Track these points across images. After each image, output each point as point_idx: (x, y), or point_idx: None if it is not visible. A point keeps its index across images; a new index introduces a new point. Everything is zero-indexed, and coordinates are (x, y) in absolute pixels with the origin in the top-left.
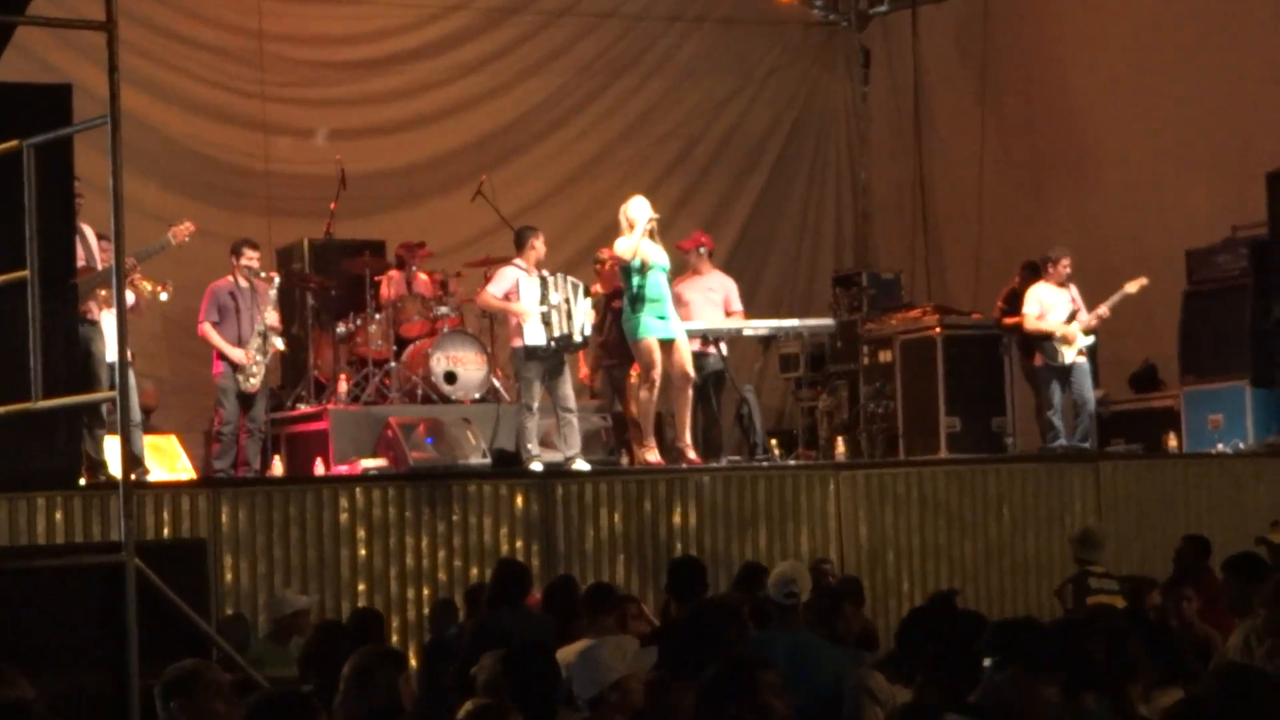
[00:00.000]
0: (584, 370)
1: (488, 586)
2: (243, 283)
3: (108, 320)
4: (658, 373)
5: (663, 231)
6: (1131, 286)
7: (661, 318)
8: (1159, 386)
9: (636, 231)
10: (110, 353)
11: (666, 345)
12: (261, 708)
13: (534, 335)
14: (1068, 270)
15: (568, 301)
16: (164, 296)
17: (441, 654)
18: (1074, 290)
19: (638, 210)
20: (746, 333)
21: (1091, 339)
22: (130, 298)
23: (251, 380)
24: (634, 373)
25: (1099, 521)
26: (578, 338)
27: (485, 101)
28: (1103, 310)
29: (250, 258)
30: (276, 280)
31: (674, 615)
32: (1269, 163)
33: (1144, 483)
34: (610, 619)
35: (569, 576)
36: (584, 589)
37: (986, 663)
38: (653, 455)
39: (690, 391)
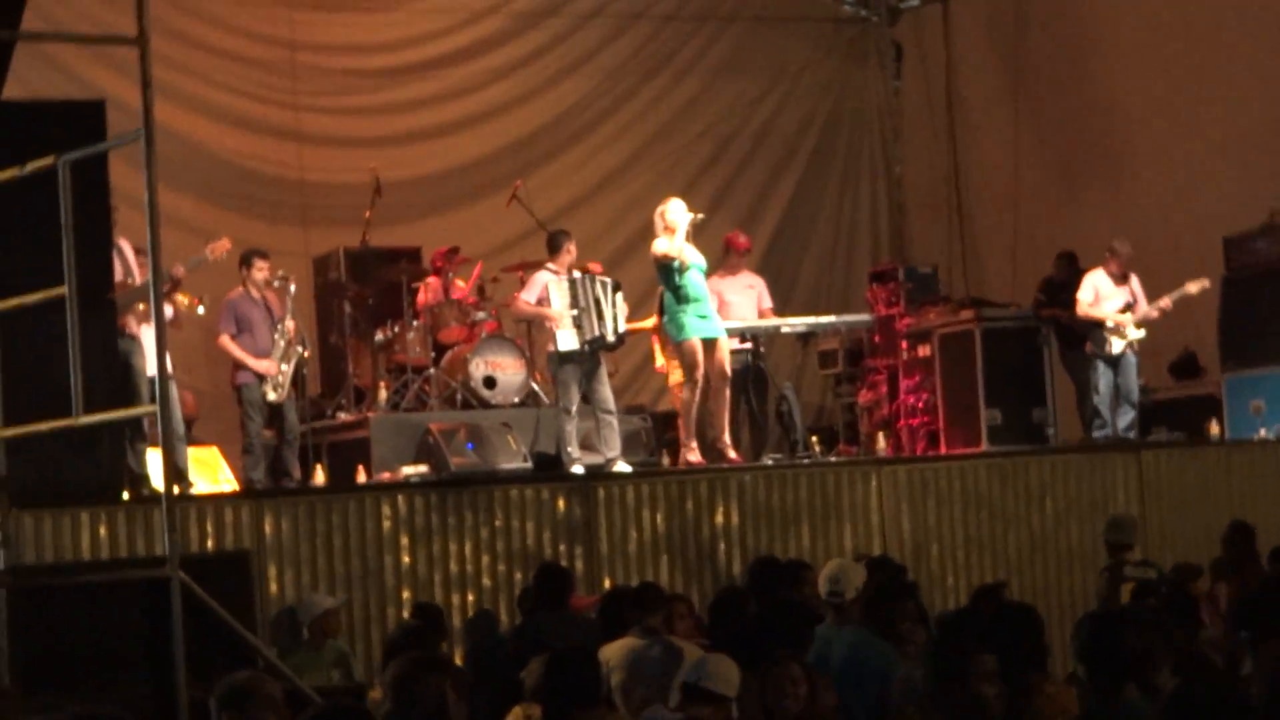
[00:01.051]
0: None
1: (529, 591)
2: (255, 294)
3: (147, 335)
4: (701, 373)
5: (697, 232)
6: (1193, 286)
7: (703, 317)
8: (1199, 374)
9: (680, 234)
10: (150, 367)
11: (709, 344)
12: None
13: (566, 340)
14: (1127, 262)
15: (598, 302)
16: (200, 310)
17: (488, 660)
18: (1135, 283)
19: (676, 212)
20: (785, 330)
21: (1142, 333)
22: (169, 312)
23: (277, 390)
24: (673, 371)
25: (1140, 511)
26: (610, 338)
27: (518, 106)
28: (1164, 304)
29: (260, 268)
30: (293, 287)
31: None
32: None
33: (1187, 471)
34: (658, 619)
35: (622, 588)
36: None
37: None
38: (694, 456)
39: (728, 391)
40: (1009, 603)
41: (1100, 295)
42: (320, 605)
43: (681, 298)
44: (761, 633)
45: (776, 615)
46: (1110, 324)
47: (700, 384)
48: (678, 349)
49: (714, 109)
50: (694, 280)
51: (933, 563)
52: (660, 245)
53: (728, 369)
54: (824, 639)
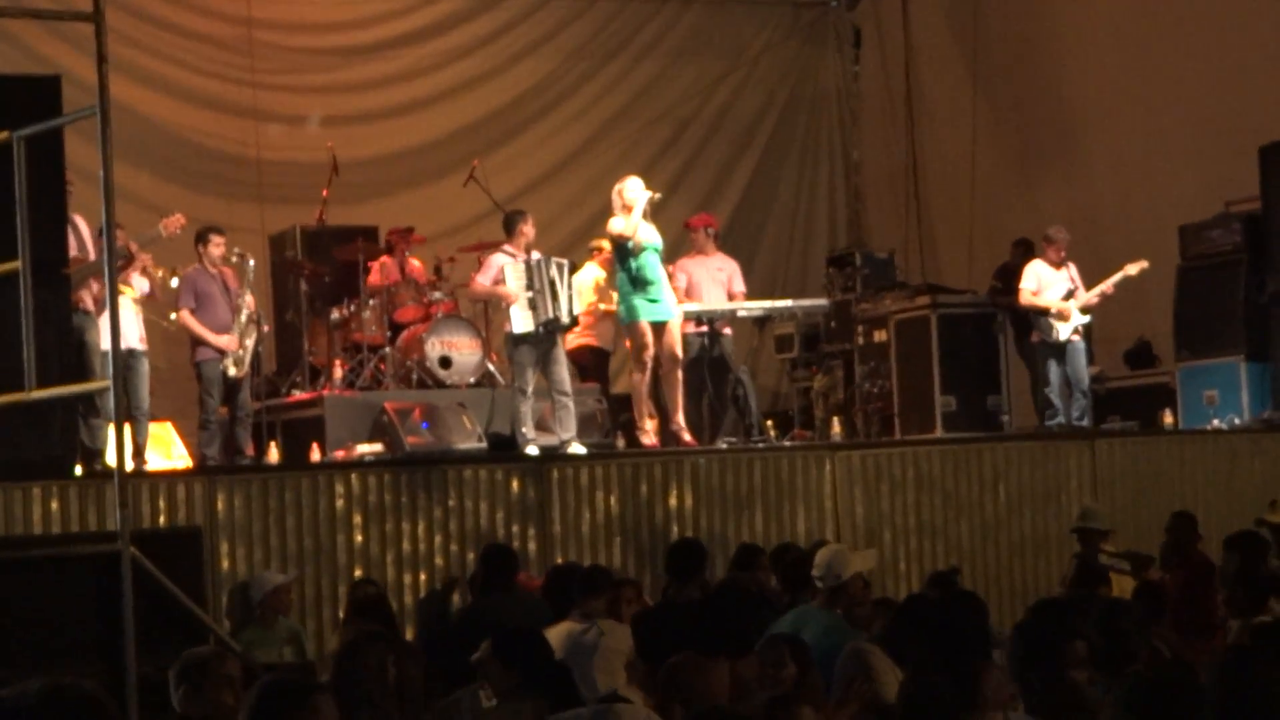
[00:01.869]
0: None
1: (478, 572)
2: (211, 269)
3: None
4: (650, 355)
5: (655, 213)
6: (1132, 268)
7: (654, 300)
8: (1154, 363)
9: (636, 212)
10: (105, 342)
11: (659, 327)
12: (266, 695)
13: (521, 322)
14: (1065, 249)
15: (553, 284)
16: (174, 283)
17: (438, 640)
18: (1073, 270)
19: (633, 191)
20: (741, 314)
21: (1088, 318)
22: (145, 285)
23: (237, 366)
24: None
25: (1092, 499)
26: (565, 319)
27: (477, 86)
28: (1106, 288)
29: (217, 244)
30: (252, 263)
31: (672, 597)
32: (1261, 137)
33: (1140, 460)
34: (601, 602)
35: (571, 564)
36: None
37: None
38: (648, 438)
39: (679, 373)
40: (956, 591)
41: (1042, 283)
42: (271, 582)
43: (633, 280)
44: (714, 619)
45: (728, 601)
46: (1054, 310)
47: (650, 366)
48: (627, 331)
49: (673, 91)
50: (649, 261)
51: (885, 548)
52: (615, 225)
53: (678, 351)
54: (799, 620)
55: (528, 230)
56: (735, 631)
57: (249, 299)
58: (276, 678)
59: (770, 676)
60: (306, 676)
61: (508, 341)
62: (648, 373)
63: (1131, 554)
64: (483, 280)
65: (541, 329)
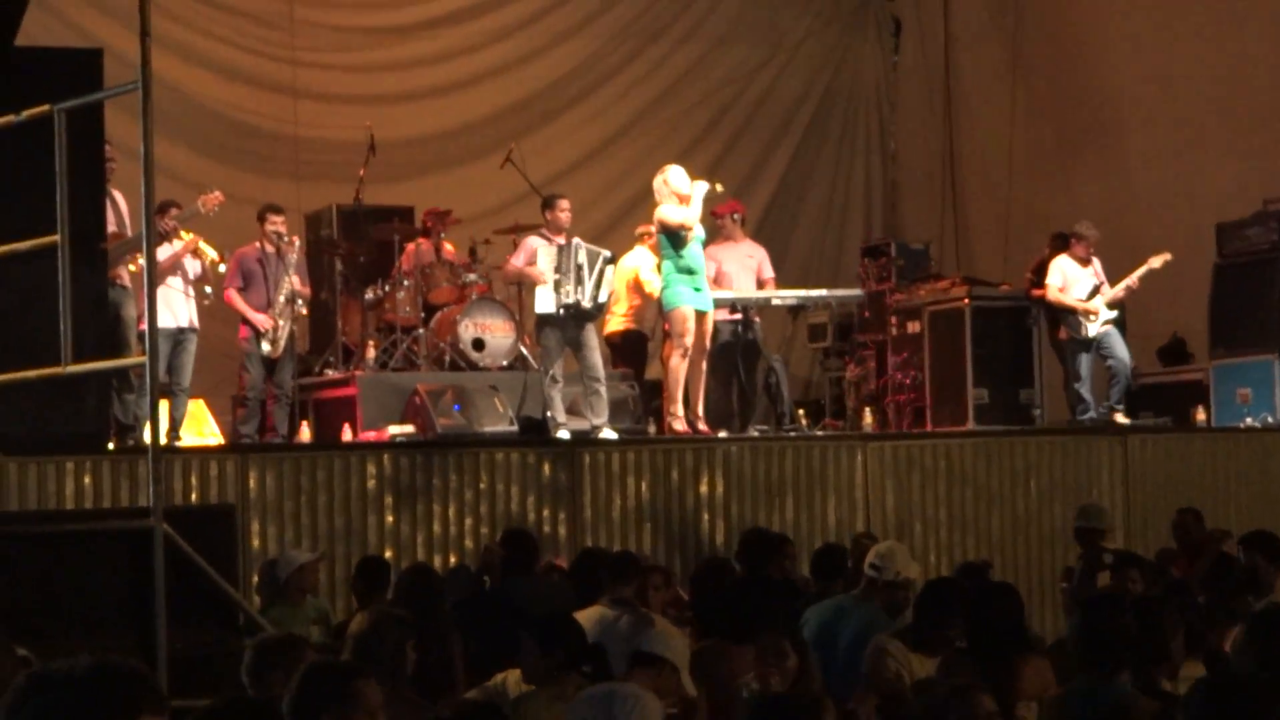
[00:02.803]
0: None
1: (499, 557)
2: (268, 248)
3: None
4: (690, 340)
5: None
6: (1156, 261)
7: (698, 289)
8: (1188, 360)
9: (696, 203)
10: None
11: (700, 316)
12: (311, 679)
13: (544, 302)
14: (1093, 246)
15: (580, 269)
16: (223, 268)
17: (470, 617)
18: (1097, 265)
19: (681, 181)
20: (775, 302)
21: (1115, 313)
22: (197, 267)
23: (273, 345)
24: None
25: (1124, 495)
26: (586, 304)
27: (516, 68)
28: (1131, 282)
29: (275, 222)
30: (298, 245)
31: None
32: None
33: (1172, 456)
34: (630, 589)
35: (598, 549)
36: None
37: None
38: (680, 424)
39: (704, 364)
40: (991, 582)
41: (1068, 279)
42: (296, 560)
43: (680, 268)
44: (744, 608)
45: (759, 590)
46: (1080, 309)
47: (689, 351)
48: (669, 316)
49: (712, 77)
50: (695, 252)
51: (916, 539)
52: (674, 214)
53: (707, 343)
54: (838, 611)
55: (560, 214)
56: (763, 620)
57: (292, 279)
58: (322, 661)
59: (771, 667)
60: (351, 661)
61: (536, 324)
62: (687, 359)
63: (1161, 550)
64: (515, 261)
65: (563, 311)
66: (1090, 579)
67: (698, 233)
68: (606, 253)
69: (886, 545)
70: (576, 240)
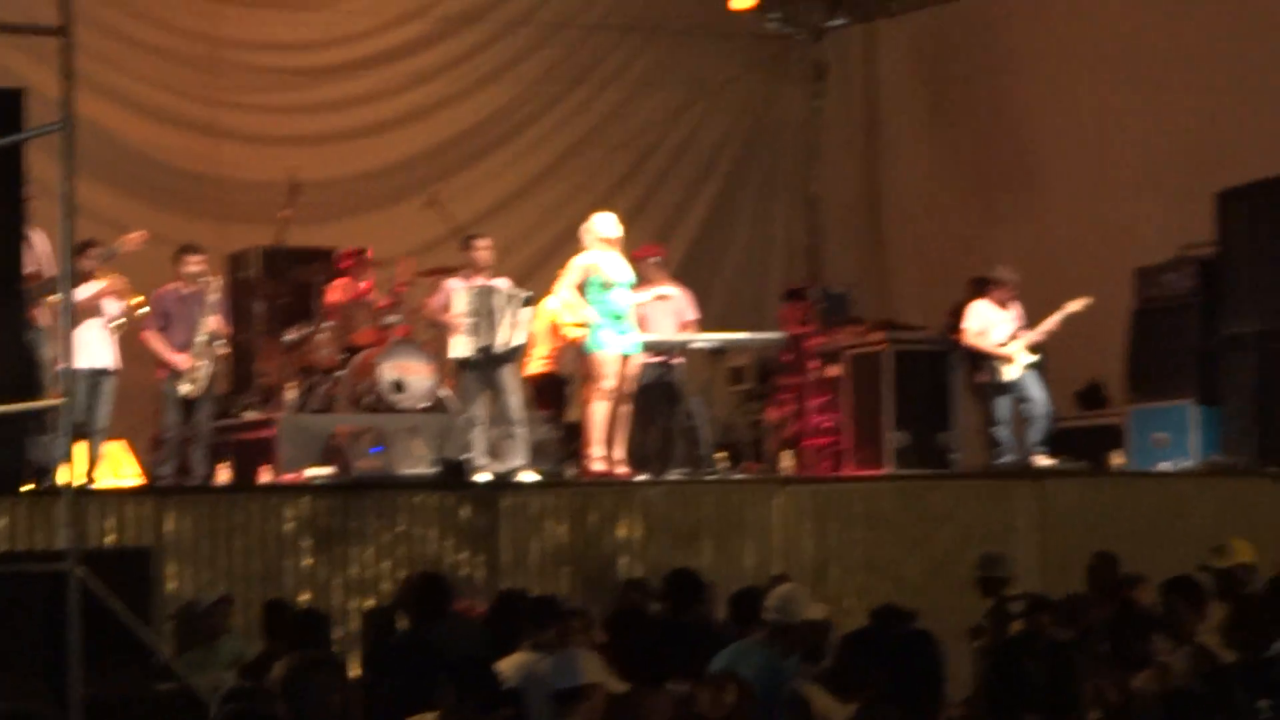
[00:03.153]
0: None
1: (411, 600)
2: (186, 289)
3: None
4: (611, 385)
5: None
6: (1075, 305)
7: (623, 333)
8: (1105, 404)
9: (562, 289)
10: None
11: (623, 360)
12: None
13: (458, 346)
14: (1012, 290)
15: (493, 312)
16: (143, 311)
17: (385, 659)
18: (1017, 309)
19: (607, 227)
20: (696, 345)
21: (1034, 357)
22: (116, 309)
23: (192, 385)
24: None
25: (1040, 539)
26: (499, 348)
27: (440, 110)
28: (1050, 326)
29: (191, 262)
30: (218, 285)
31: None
32: (1218, 182)
33: (1088, 500)
34: (550, 633)
35: (517, 591)
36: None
37: None
38: (598, 466)
39: (626, 408)
40: (913, 629)
41: (986, 323)
42: (203, 602)
43: (605, 312)
44: (661, 651)
45: (677, 633)
46: (997, 354)
47: (610, 395)
48: (591, 359)
49: (635, 121)
50: (620, 295)
51: (832, 584)
52: (551, 303)
53: (629, 386)
54: (737, 654)
55: (478, 253)
56: (680, 663)
57: (212, 320)
58: (236, 708)
59: (711, 703)
60: (264, 703)
61: (456, 368)
62: (607, 402)
63: (1072, 594)
64: (434, 305)
65: (479, 355)
66: (1002, 628)
67: (624, 279)
68: (525, 294)
69: (784, 589)
70: (496, 281)
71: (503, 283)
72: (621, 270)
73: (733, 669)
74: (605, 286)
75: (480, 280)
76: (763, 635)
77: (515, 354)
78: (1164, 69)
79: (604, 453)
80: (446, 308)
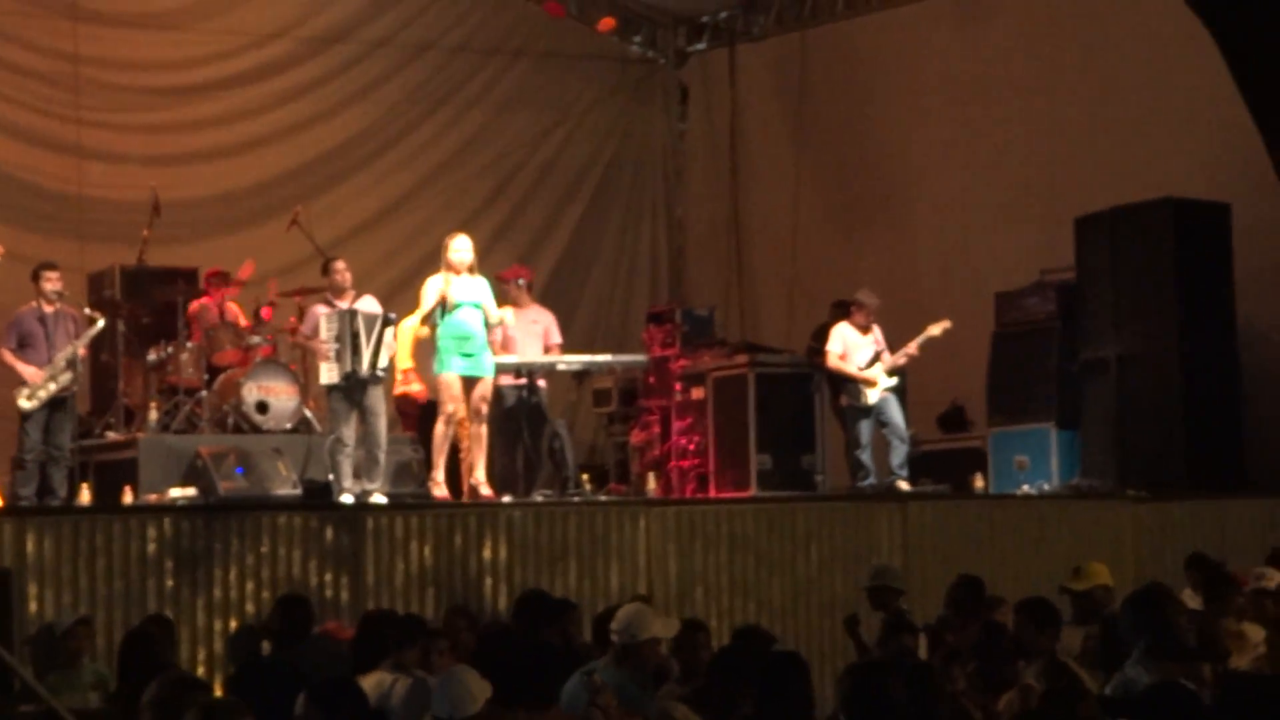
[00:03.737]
0: None
1: (274, 622)
2: (47, 308)
3: None
4: (454, 409)
5: (479, 263)
6: (935, 329)
7: (469, 355)
8: (966, 427)
9: (424, 307)
10: None
11: (470, 382)
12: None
13: (326, 373)
14: (873, 314)
15: (355, 336)
16: None
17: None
18: (878, 333)
19: (459, 254)
20: (560, 367)
21: (895, 380)
22: None
23: (28, 401)
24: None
25: (904, 561)
26: (364, 371)
27: (304, 130)
28: (911, 349)
29: (50, 279)
30: (100, 324)
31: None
32: (1077, 208)
33: (951, 523)
34: (414, 653)
35: (383, 612)
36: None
37: None
38: (439, 490)
39: (483, 430)
40: (781, 651)
41: (848, 346)
42: (62, 624)
43: (449, 334)
44: (523, 673)
45: (539, 655)
46: (859, 378)
47: (453, 419)
48: (435, 382)
49: (500, 142)
50: (466, 317)
51: (697, 606)
52: (409, 322)
53: (483, 408)
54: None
55: (336, 276)
56: (535, 685)
57: (74, 347)
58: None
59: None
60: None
61: (326, 392)
62: (450, 426)
63: (941, 616)
64: (304, 330)
65: (344, 380)
66: (895, 639)
67: (471, 298)
68: (387, 315)
69: (628, 608)
70: (360, 302)
71: (369, 302)
72: (470, 291)
73: (578, 693)
74: (446, 307)
75: (343, 304)
76: (609, 657)
77: (382, 376)
78: (1023, 96)
79: (443, 476)
80: (315, 333)
